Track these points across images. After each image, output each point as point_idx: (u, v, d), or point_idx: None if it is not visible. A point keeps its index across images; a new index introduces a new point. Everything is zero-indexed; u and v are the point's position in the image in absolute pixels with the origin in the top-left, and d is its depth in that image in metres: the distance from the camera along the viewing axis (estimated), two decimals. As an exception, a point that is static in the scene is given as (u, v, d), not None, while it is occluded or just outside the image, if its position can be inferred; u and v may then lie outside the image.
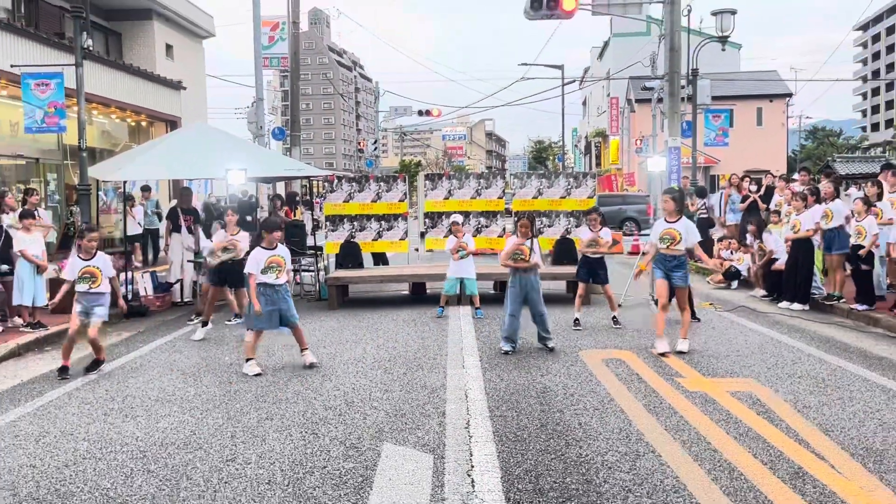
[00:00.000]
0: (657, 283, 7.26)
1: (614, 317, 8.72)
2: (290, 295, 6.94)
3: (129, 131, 19.94)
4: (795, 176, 15.92)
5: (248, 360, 6.71)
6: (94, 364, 6.89)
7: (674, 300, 7.35)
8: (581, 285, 8.93)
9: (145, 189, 16.28)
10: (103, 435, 5.00)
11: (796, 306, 9.87)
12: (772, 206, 12.55)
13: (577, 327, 8.50)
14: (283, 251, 6.85)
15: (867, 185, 10.03)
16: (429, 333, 8.54)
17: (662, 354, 6.95)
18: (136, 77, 18.38)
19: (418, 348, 7.70)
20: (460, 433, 4.85)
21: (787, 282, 10.18)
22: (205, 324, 8.54)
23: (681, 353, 7.05)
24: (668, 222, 7.16)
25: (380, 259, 13.57)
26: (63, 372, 6.74)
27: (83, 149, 11.41)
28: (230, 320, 9.37)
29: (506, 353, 7.19)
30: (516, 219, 7.70)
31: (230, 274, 8.56)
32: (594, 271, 8.86)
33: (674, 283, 7.12)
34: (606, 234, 8.92)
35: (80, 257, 6.80)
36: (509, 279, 7.35)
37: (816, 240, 9.85)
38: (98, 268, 6.74)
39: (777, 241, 10.77)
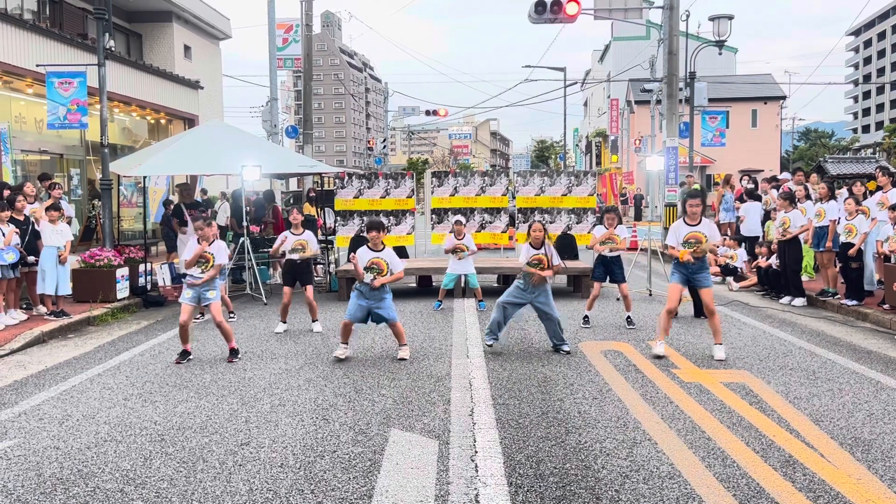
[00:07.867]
0: (672, 287, 6.89)
1: (628, 317, 8.46)
2: (388, 295, 6.83)
3: (149, 128, 20.28)
4: (780, 176, 16.17)
5: (341, 342, 6.93)
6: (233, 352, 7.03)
7: (683, 303, 7.24)
8: (596, 285, 8.68)
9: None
10: (123, 419, 5.13)
11: (798, 301, 9.90)
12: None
13: (587, 325, 8.41)
14: (386, 255, 6.75)
15: (857, 185, 10.15)
16: (434, 325, 8.69)
17: (658, 357, 6.71)
18: (156, 76, 18.68)
19: (424, 339, 7.84)
20: (464, 420, 4.95)
21: (783, 279, 10.28)
22: (283, 321, 8.58)
23: (720, 360, 6.62)
24: (690, 225, 6.80)
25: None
26: (183, 356, 6.96)
27: (105, 145, 11.66)
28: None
29: (489, 345, 7.01)
30: (528, 224, 7.37)
31: (300, 273, 8.55)
32: (611, 270, 8.61)
33: (702, 286, 6.80)
34: (622, 232, 8.75)
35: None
36: (521, 275, 7.06)
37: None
38: (212, 254, 6.99)
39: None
